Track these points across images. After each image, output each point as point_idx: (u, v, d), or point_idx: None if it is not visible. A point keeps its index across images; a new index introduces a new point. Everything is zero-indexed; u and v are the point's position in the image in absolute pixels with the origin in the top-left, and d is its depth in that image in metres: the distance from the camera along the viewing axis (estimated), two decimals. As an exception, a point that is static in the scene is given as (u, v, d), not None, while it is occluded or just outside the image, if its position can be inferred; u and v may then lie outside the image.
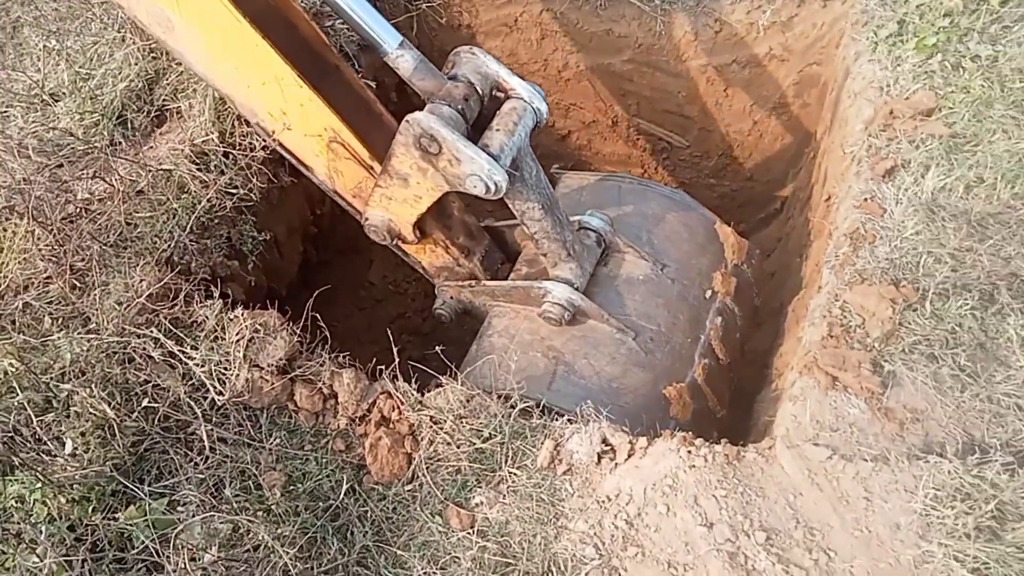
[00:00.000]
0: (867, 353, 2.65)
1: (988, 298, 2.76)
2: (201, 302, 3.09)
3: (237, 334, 2.95)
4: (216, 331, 2.98)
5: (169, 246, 3.26)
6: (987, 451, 2.38)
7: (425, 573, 2.50)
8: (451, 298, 3.67)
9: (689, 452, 2.54)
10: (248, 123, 3.58)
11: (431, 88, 2.72)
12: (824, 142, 4.23)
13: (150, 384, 2.81)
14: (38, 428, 2.63)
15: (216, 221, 3.51)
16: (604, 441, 2.72)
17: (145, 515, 2.51)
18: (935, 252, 2.88)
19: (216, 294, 3.14)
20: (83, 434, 2.66)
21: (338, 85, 2.89)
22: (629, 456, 2.64)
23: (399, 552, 2.59)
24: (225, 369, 2.88)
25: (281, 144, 3.07)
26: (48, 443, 2.61)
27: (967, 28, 3.51)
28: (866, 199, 3.15)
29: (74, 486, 2.54)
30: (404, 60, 2.67)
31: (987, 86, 3.31)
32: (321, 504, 2.71)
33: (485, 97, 2.82)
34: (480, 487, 2.70)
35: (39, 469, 2.49)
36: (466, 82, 2.76)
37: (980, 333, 2.67)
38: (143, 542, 2.46)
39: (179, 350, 2.86)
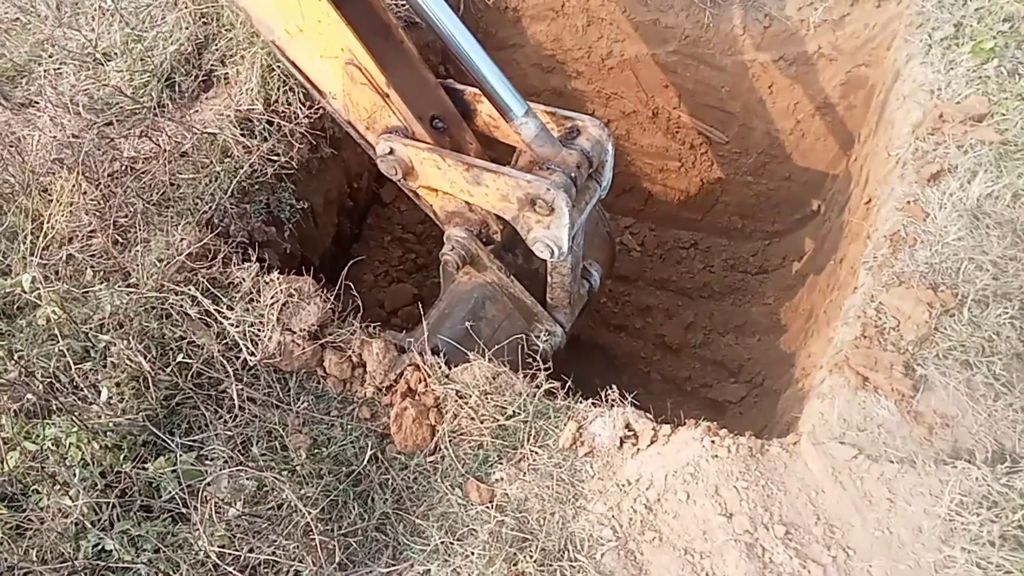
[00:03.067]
0: (900, 355, 2.62)
1: (1029, 308, 2.71)
2: (238, 264, 3.15)
3: (272, 297, 3.00)
4: (251, 293, 3.04)
5: (210, 208, 3.32)
6: (1017, 461, 2.35)
7: (442, 543, 2.53)
8: (460, 245, 3.48)
9: (712, 442, 2.54)
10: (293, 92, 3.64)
11: (548, 154, 2.84)
12: (868, 144, 4.17)
13: (185, 340, 2.87)
14: (76, 375, 2.70)
15: (256, 187, 3.57)
16: (627, 426, 2.72)
17: (174, 466, 2.57)
18: (977, 259, 2.83)
19: (253, 258, 3.20)
20: (118, 384, 2.73)
21: (358, 6, 2.84)
22: (652, 442, 2.65)
23: (418, 521, 2.62)
24: (258, 331, 2.93)
25: (297, 67, 3.04)
26: (85, 390, 2.68)
27: (1026, 34, 3.43)
28: (909, 202, 3.10)
29: (107, 433, 2.61)
30: (527, 128, 2.76)
31: (1042, 94, 3.24)
32: (344, 469, 2.76)
33: (592, 172, 2.97)
34: (501, 463, 2.72)
35: (75, 415, 2.56)
36: (580, 152, 2.89)
37: (1018, 343, 2.63)
38: (171, 492, 2.53)
39: (215, 309, 2.92)
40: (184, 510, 2.49)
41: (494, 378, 2.90)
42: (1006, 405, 2.50)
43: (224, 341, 2.91)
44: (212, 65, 3.89)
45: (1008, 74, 3.35)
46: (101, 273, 3.04)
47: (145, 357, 2.74)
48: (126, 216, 3.21)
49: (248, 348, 2.88)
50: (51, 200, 3.18)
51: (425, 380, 2.93)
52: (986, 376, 2.56)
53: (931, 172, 3.15)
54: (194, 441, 2.71)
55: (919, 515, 2.27)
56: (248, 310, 2.97)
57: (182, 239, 3.13)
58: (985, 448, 2.41)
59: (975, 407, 2.50)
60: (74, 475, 2.47)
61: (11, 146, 3.40)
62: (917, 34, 3.77)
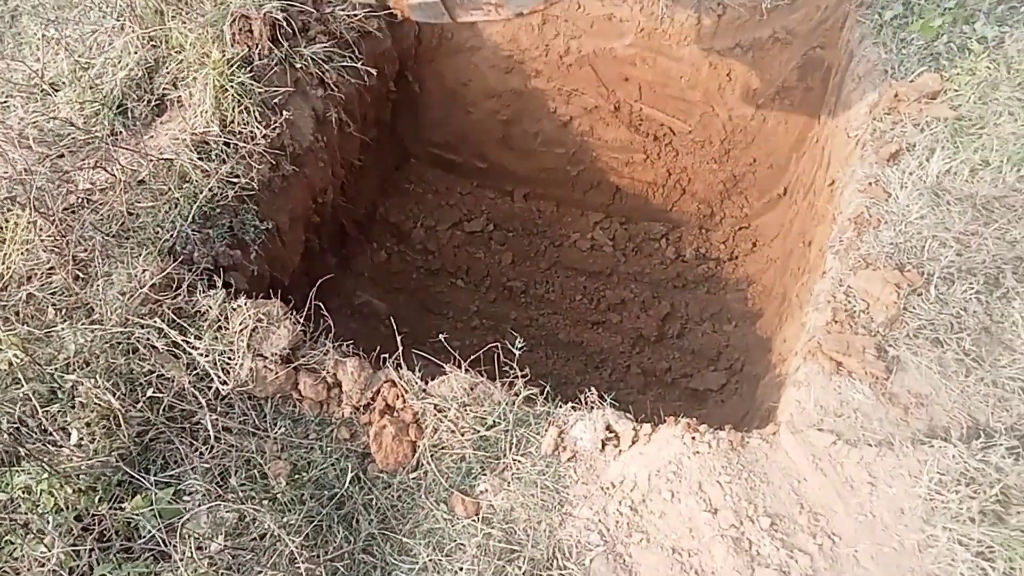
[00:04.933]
0: (871, 338, 2.64)
1: (993, 282, 2.75)
2: (204, 292, 3.09)
3: (240, 324, 2.95)
4: (219, 321, 2.98)
5: (171, 236, 3.25)
6: (992, 435, 2.38)
7: (430, 560, 2.51)
8: None
9: (693, 438, 2.54)
10: (248, 111, 3.58)
11: None
12: (828, 126, 4.21)
13: (154, 374, 2.81)
14: (44, 419, 2.63)
15: (218, 210, 3.50)
16: (608, 428, 2.72)
17: (151, 505, 2.52)
18: (940, 236, 2.87)
19: (219, 284, 3.14)
20: (88, 424, 2.67)
21: None
22: (633, 443, 2.65)
23: (404, 539, 2.60)
24: (229, 359, 2.88)
25: None
26: (54, 434, 2.61)
27: (973, 9, 3.48)
28: (870, 183, 3.13)
29: (80, 476, 2.55)
30: None
31: (993, 68, 3.28)
32: (326, 493, 2.72)
33: None
34: (484, 474, 2.70)
35: (45, 460, 2.50)
36: None
37: (985, 317, 2.67)
38: (150, 532, 2.48)
39: (183, 340, 2.86)
40: (165, 549, 2.44)
41: (472, 389, 2.88)
42: (977, 380, 2.53)
43: (194, 372, 2.85)
44: (164, 89, 3.81)
45: (958, 50, 3.39)
46: (63, 311, 2.97)
47: (114, 395, 2.68)
48: (85, 250, 3.13)
49: (220, 377, 2.83)
50: (5, 239, 3.10)
51: (402, 396, 2.90)
52: (956, 352, 2.59)
53: (890, 152, 3.18)
54: (171, 477, 2.66)
55: (900, 497, 2.30)
56: (217, 338, 2.92)
57: (144, 270, 3.06)
58: (960, 424, 2.44)
59: (948, 384, 2.53)
60: (48, 522, 2.41)
61: (-40, 186, 3.31)
62: (868, 14, 3.81)
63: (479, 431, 2.77)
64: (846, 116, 3.76)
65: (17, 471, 2.49)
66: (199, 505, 2.53)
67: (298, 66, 3.96)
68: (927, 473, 2.29)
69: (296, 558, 2.42)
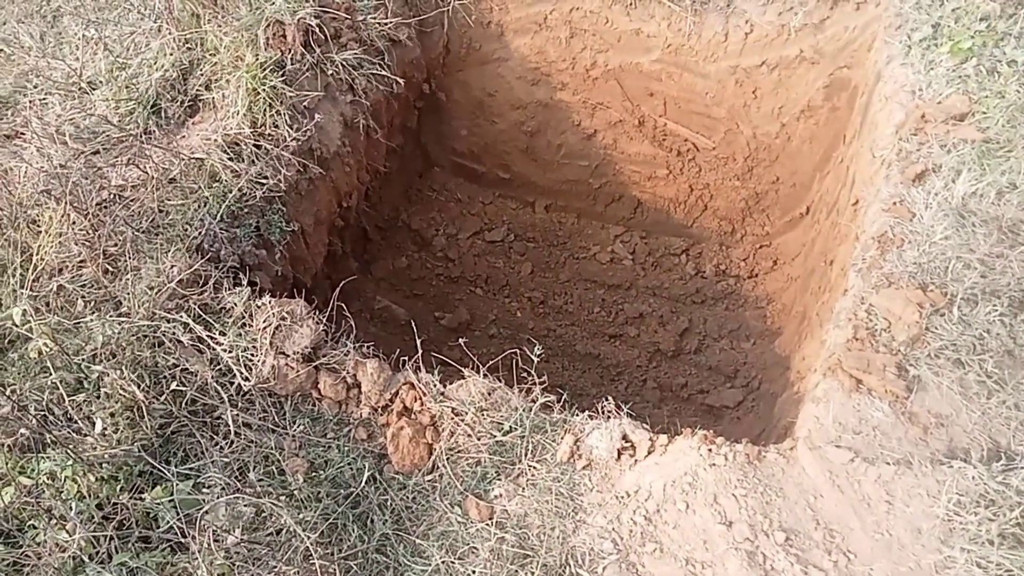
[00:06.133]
0: (892, 357, 2.63)
1: (1018, 305, 2.73)
2: (229, 289, 3.14)
3: (264, 322, 2.99)
4: (244, 318, 3.03)
5: (200, 233, 3.31)
6: (1013, 458, 2.36)
7: (443, 562, 2.52)
8: None
9: (710, 451, 2.54)
10: (279, 114, 3.65)
11: None
12: (853, 146, 4.20)
13: (178, 368, 2.86)
14: (70, 407, 2.69)
15: (246, 210, 3.56)
16: (624, 437, 2.72)
17: (171, 496, 2.56)
18: (964, 257, 2.85)
19: (244, 282, 3.19)
20: (113, 415, 2.72)
21: None
22: (649, 453, 2.65)
23: (418, 541, 2.61)
24: (251, 356, 2.93)
25: None
26: (79, 422, 2.66)
27: (1004, 32, 3.47)
28: (895, 203, 3.12)
29: (103, 465, 2.60)
30: None
31: (1023, 91, 3.27)
32: (342, 491, 2.75)
33: None
34: (499, 479, 2.72)
35: (70, 447, 2.54)
36: None
37: (1008, 340, 2.64)
38: (168, 522, 2.51)
39: (207, 335, 2.91)
40: (183, 539, 2.47)
41: (489, 394, 2.90)
42: (999, 402, 2.51)
43: (217, 367, 2.90)
44: (197, 90, 3.89)
45: (987, 72, 3.39)
46: (92, 303, 3.03)
47: (138, 386, 2.73)
48: (116, 245, 3.20)
49: (242, 373, 2.87)
50: (40, 232, 3.17)
51: (420, 398, 2.93)
52: (978, 374, 2.58)
53: (916, 172, 3.17)
54: (191, 469, 2.70)
55: (918, 516, 2.28)
56: (241, 335, 2.96)
57: (172, 266, 3.12)
58: (980, 446, 2.42)
59: (969, 406, 2.51)
60: (70, 508, 2.45)
61: (-2, 179, 3.39)
62: (896, 35, 3.81)
63: (495, 436, 2.78)
64: (872, 136, 3.76)
65: (43, 457, 2.54)
66: (218, 498, 2.56)
67: (329, 72, 4.03)
68: (946, 494, 2.27)
69: (311, 554, 2.44)
